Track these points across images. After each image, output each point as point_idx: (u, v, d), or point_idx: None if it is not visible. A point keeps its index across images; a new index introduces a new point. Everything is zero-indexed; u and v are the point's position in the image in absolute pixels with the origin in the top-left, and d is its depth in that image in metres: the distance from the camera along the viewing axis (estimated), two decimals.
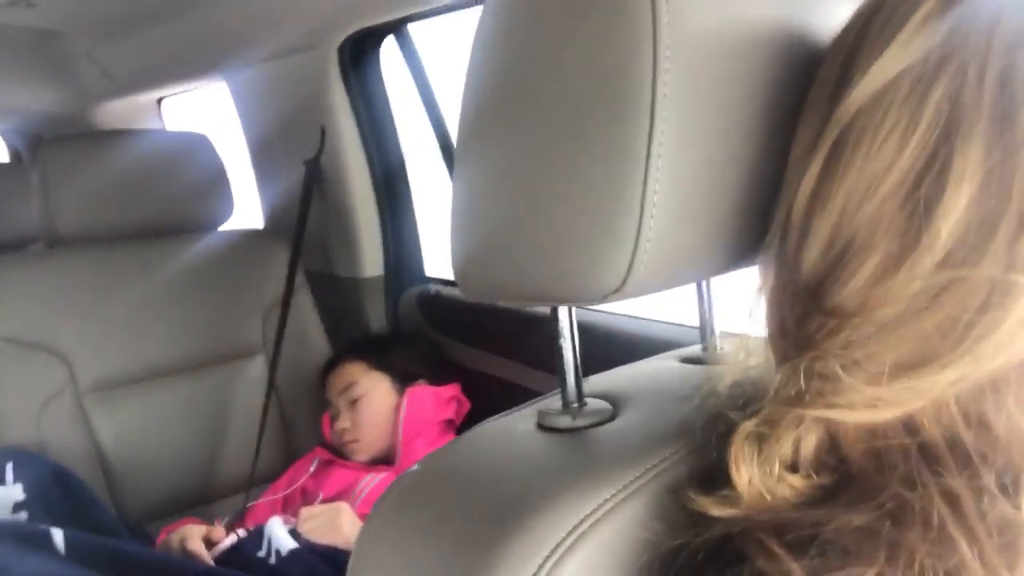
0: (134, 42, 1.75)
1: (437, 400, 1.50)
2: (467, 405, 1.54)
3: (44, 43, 1.86)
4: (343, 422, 1.50)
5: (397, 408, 1.49)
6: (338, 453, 1.52)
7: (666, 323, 1.16)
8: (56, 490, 1.21)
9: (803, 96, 0.39)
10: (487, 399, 1.51)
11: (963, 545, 0.31)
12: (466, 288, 0.44)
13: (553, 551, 0.37)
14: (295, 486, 1.50)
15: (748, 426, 0.37)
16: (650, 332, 1.15)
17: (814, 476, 0.36)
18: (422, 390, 1.51)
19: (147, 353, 1.50)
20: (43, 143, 1.47)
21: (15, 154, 2.76)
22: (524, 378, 1.42)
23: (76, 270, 1.47)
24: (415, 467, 0.46)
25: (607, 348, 1.16)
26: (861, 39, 0.36)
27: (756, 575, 0.33)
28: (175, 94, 2.16)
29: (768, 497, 0.36)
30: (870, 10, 0.37)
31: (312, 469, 1.51)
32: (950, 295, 0.32)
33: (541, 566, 0.36)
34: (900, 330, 0.34)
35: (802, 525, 0.34)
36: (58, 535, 1.04)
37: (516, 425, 0.49)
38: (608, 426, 0.47)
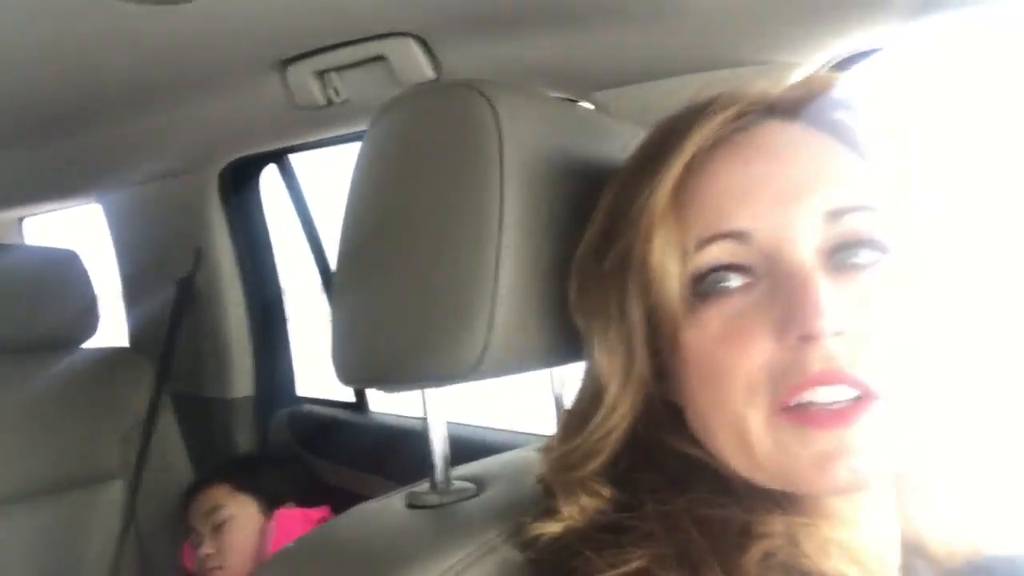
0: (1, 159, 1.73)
1: (306, 522, 1.48)
2: None
3: None
4: (206, 548, 1.44)
5: (264, 531, 1.46)
6: None
7: (535, 434, 1.23)
8: None
9: None
10: None
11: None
12: (343, 375, 0.50)
13: None
14: None
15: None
16: (516, 442, 1.21)
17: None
18: (291, 512, 1.48)
19: None
20: None
21: None
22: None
23: None
24: (290, 545, 0.50)
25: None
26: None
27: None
28: (41, 213, 2.12)
29: (580, 512, 0.45)
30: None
31: None
32: None
33: None
34: None
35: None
36: None
37: (388, 505, 0.54)
38: (471, 501, 0.53)
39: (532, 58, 0.90)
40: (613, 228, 0.45)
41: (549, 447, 0.50)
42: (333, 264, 1.65)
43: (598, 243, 0.46)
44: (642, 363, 0.45)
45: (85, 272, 1.58)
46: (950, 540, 0.51)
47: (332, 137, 1.37)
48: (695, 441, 0.46)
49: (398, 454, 1.42)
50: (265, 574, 0.48)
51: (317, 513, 1.49)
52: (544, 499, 0.47)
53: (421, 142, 0.46)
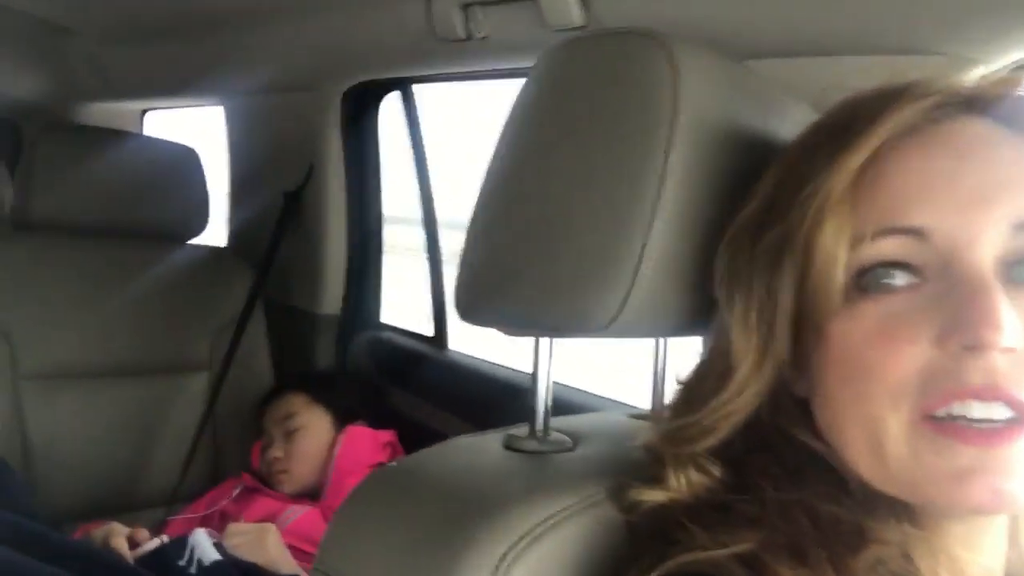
0: (138, 51, 1.79)
1: (374, 442, 1.52)
2: (401, 453, 1.56)
3: (45, 34, 1.89)
4: (276, 451, 1.50)
5: (332, 444, 1.51)
6: (264, 482, 1.51)
7: (616, 400, 1.22)
8: None
9: None
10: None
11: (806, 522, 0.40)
12: (465, 312, 0.49)
13: (515, 544, 0.42)
14: (215, 508, 1.49)
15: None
16: (595, 405, 1.21)
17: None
18: (361, 430, 1.52)
19: (93, 351, 1.49)
20: (39, 129, 1.49)
21: None
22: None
23: (39, 256, 1.47)
24: (392, 464, 0.51)
25: None
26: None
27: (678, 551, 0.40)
28: (165, 108, 2.20)
29: (687, 486, 0.44)
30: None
31: (235, 494, 1.50)
32: None
33: (504, 555, 0.41)
34: None
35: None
36: None
37: (485, 444, 0.54)
38: (567, 454, 0.52)
39: (688, 15, 0.86)
40: (777, 206, 0.43)
41: (659, 417, 0.49)
42: (438, 200, 1.66)
43: (757, 219, 0.44)
44: (781, 348, 0.43)
45: (202, 170, 1.63)
46: None
47: (462, 72, 1.36)
48: (818, 436, 0.45)
49: (471, 394, 1.44)
50: (361, 493, 0.49)
51: (385, 436, 1.53)
52: (648, 466, 0.47)
53: (588, 88, 0.44)
